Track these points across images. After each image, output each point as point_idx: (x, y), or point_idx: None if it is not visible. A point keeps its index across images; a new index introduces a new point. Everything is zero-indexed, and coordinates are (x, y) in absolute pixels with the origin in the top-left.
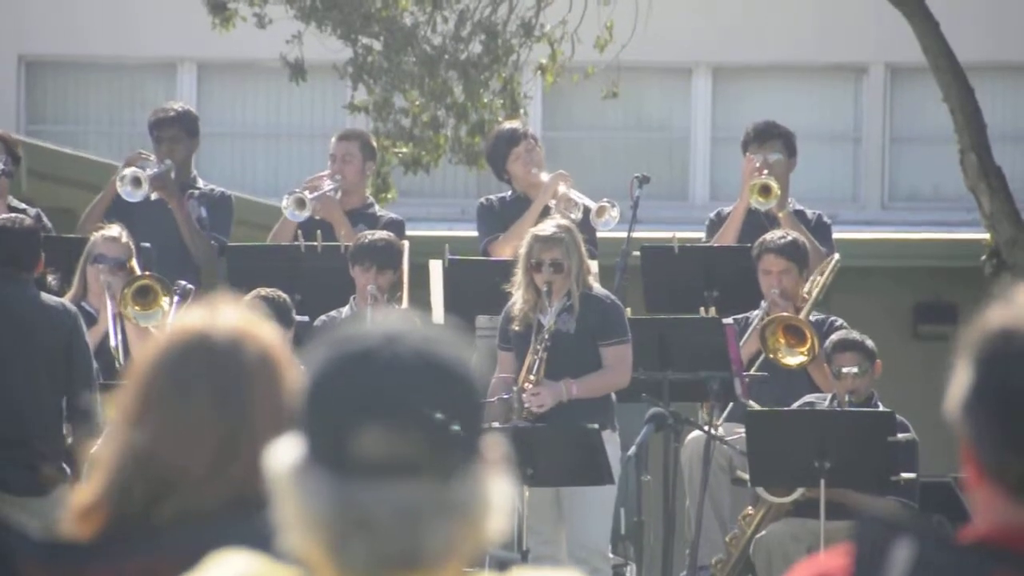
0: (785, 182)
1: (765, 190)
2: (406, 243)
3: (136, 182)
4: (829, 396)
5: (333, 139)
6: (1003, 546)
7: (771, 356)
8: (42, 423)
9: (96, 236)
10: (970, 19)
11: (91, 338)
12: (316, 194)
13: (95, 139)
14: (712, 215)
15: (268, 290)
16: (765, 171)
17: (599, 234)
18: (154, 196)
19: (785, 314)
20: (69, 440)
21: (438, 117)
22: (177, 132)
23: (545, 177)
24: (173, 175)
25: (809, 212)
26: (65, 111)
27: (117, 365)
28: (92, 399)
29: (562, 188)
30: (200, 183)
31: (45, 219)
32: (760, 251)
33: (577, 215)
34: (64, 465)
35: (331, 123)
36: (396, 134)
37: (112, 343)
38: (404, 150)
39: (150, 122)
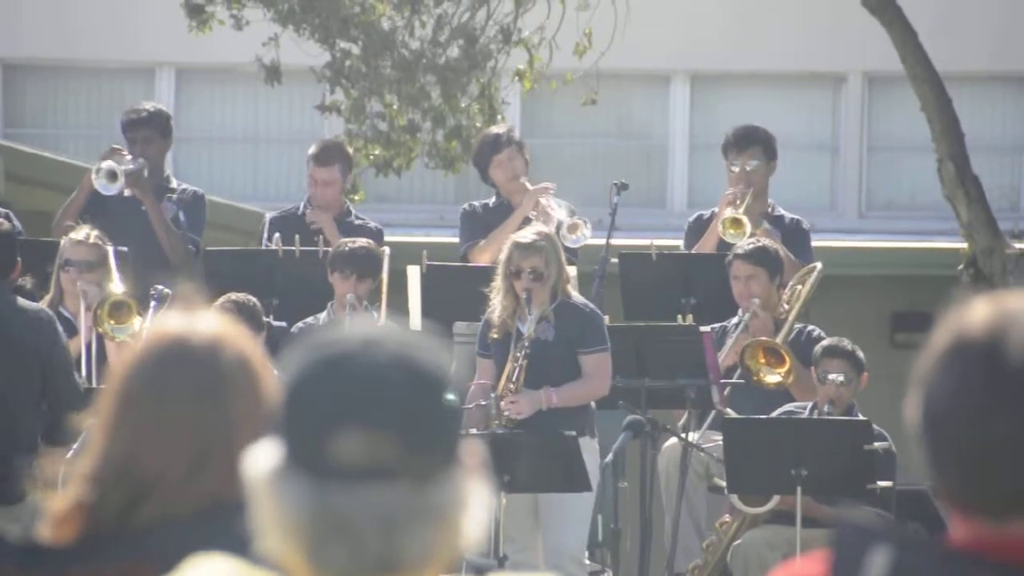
0: (764, 186)
1: (735, 223)
2: (387, 250)
3: (112, 175)
4: (809, 406)
5: (311, 161)
6: (980, 554)
7: (753, 378)
8: (18, 429)
9: (65, 241)
10: (950, 30)
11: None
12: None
13: (73, 142)
14: (691, 219)
15: (239, 294)
16: (738, 200)
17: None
18: (127, 192)
19: (764, 339)
20: (42, 446)
21: (414, 121)
22: (150, 132)
23: (528, 184)
24: (146, 174)
25: (787, 217)
26: (44, 115)
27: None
28: (70, 408)
29: (543, 201)
30: (173, 182)
31: (15, 220)
32: (730, 258)
33: (552, 228)
34: (37, 471)
35: (309, 127)
36: (372, 137)
37: (83, 370)
38: (376, 152)
39: (123, 122)
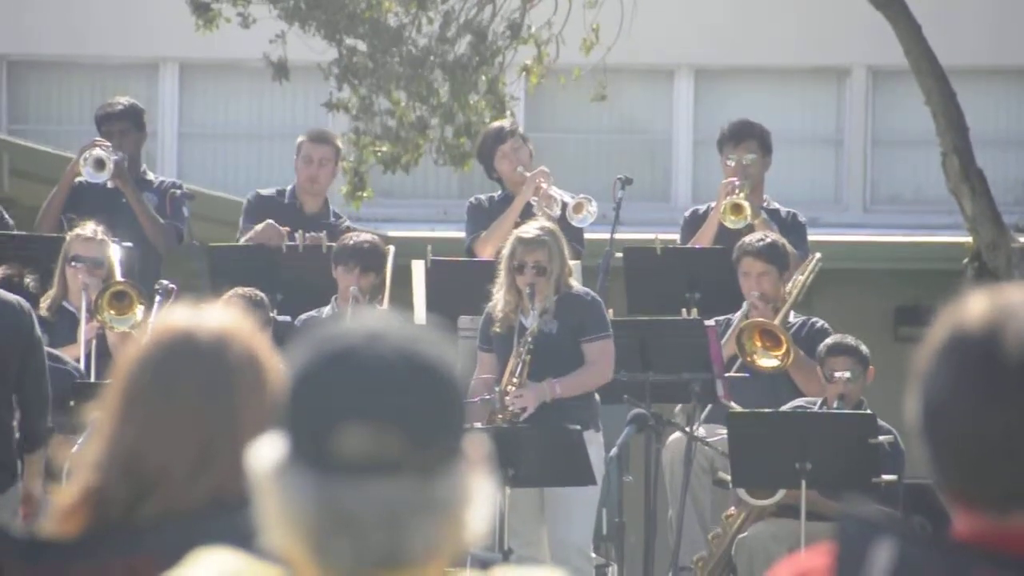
0: (760, 180)
1: (737, 209)
2: (392, 247)
3: (100, 163)
4: (819, 401)
5: (305, 140)
6: (983, 546)
7: (747, 359)
8: None
9: (71, 236)
10: (955, 23)
11: (76, 347)
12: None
13: (77, 138)
14: (687, 213)
15: (246, 288)
16: (737, 190)
17: (585, 235)
18: (110, 185)
19: (761, 319)
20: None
21: (423, 117)
22: (126, 125)
23: (527, 173)
24: (126, 164)
25: (783, 211)
26: (47, 110)
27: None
28: (43, 401)
29: (543, 185)
30: (150, 175)
31: (6, 216)
32: (739, 254)
33: (556, 211)
34: (13, 463)
35: (314, 123)
36: (381, 134)
37: (83, 364)
38: (384, 148)
39: (97, 116)
